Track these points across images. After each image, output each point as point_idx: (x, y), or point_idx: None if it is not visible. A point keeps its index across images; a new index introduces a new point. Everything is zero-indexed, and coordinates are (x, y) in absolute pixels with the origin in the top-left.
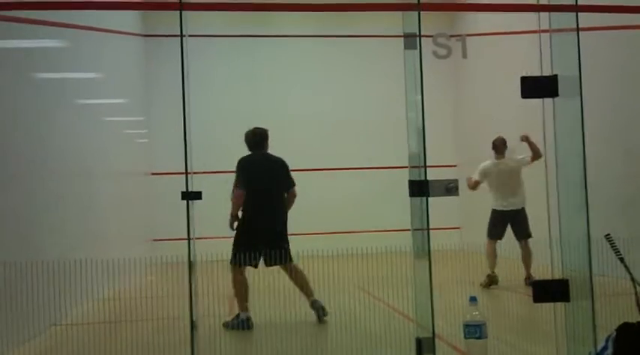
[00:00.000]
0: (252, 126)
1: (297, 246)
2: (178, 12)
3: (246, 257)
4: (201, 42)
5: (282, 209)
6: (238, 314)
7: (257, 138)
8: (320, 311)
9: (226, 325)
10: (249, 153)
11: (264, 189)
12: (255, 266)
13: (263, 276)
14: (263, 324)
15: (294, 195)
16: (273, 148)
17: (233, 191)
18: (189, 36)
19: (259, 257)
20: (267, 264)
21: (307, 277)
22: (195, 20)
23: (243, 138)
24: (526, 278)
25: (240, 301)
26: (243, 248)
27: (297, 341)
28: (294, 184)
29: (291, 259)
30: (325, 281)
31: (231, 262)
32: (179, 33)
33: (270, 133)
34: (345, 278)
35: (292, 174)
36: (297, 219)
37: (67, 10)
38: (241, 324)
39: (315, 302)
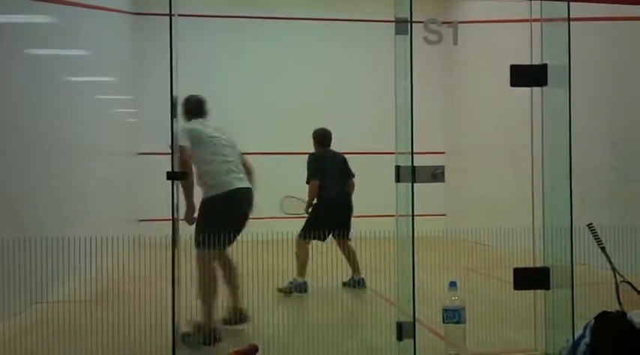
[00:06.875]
0: (247, 109)
1: (284, 228)
2: None
3: (315, 234)
4: (191, 22)
5: (347, 195)
6: (293, 280)
7: (327, 138)
8: (358, 284)
9: (288, 290)
10: (319, 149)
11: (334, 179)
12: (323, 240)
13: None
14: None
15: (354, 185)
16: (260, 129)
17: (308, 182)
18: (179, 15)
19: (329, 233)
20: (336, 237)
21: (356, 256)
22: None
23: (239, 120)
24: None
25: (300, 268)
26: (314, 226)
27: (278, 320)
28: (353, 175)
29: (349, 238)
30: (310, 264)
31: (301, 236)
32: (168, 12)
33: (258, 116)
34: (330, 261)
35: (280, 157)
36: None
37: None
38: (298, 287)
39: (358, 277)
